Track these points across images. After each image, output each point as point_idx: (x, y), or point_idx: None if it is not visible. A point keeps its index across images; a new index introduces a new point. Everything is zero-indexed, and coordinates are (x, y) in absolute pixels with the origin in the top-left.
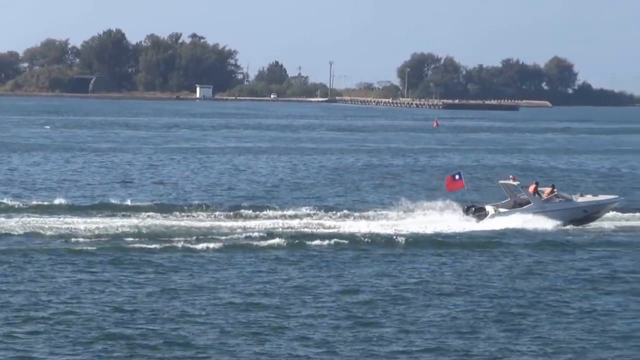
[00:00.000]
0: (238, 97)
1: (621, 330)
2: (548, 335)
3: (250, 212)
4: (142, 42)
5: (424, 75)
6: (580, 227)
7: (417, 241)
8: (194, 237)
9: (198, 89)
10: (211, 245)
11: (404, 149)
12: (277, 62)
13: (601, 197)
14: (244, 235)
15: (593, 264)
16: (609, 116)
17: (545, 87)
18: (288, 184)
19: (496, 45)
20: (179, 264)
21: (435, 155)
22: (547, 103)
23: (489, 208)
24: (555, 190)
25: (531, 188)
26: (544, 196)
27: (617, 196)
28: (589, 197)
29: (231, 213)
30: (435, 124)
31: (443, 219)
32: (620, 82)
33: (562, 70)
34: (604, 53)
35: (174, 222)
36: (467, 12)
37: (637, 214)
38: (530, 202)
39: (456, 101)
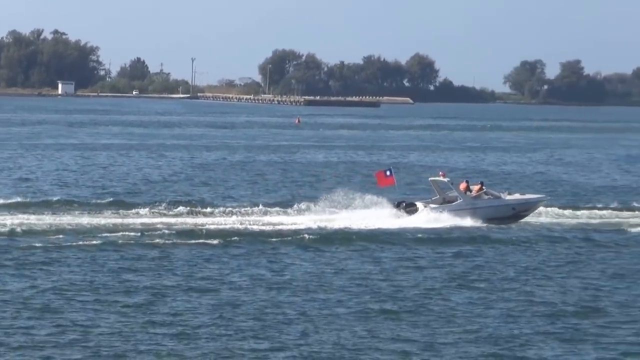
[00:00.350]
0: (100, 94)
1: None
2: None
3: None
4: (4, 39)
5: (285, 72)
6: (508, 224)
7: (347, 236)
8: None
9: (60, 86)
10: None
11: (270, 146)
12: (139, 59)
13: (529, 196)
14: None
15: (519, 259)
16: (470, 113)
17: (407, 84)
18: (155, 180)
19: (358, 41)
20: None
21: (302, 151)
22: (409, 100)
23: (419, 204)
24: (484, 187)
25: (462, 186)
26: (473, 193)
27: (543, 195)
28: (517, 195)
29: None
30: (297, 121)
31: (373, 214)
32: (481, 79)
33: (423, 67)
34: (466, 50)
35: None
36: (328, 8)
37: (566, 211)
38: (458, 199)
39: (318, 98)
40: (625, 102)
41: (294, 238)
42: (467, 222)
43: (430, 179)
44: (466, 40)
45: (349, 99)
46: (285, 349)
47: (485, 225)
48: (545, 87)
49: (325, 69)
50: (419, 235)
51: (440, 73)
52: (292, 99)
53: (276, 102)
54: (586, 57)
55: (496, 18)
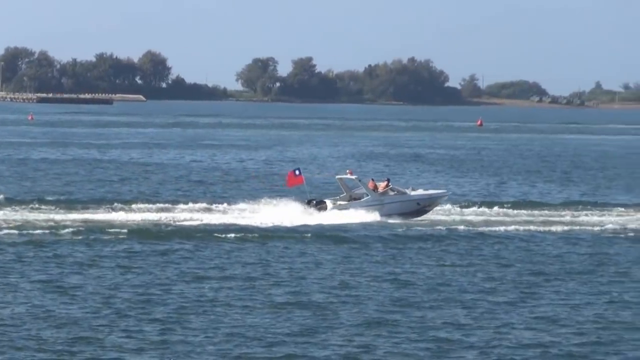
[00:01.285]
0: None
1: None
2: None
3: None
4: None
5: (18, 69)
6: (412, 219)
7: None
8: None
9: None
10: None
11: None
12: None
13: (432, 191)
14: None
15: (432, 253)
16: (200, 110)
17: (140, 81)
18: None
19: (90, 39)
20: None
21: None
22: (141, 97)
23: (328, 202)
24: (390, 184)
25: (370, 183)
26: (380, 189)
27: (446, 190)
28: (420, 191)
29: None
30: (30, 118)
31: (285, 212)
32: (214, 76)
33: (156, 65)
34: (198, 47)
35: None
36: (60, 5)
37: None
38: (365, 196)
39: (50, 95)
40: (357, 100)
41: (215, 236)
42: (376, 217)
43: (337, 177)
44: (198, 37)
45: (81, 96)
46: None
47: (392, 220)
48: (278, 84)
49: (58, 66)
50: (326, 233)
51: (173, 70)
52: (24, 96)
53: (9, 100)
54: (318, 55)
55: (228, 15)
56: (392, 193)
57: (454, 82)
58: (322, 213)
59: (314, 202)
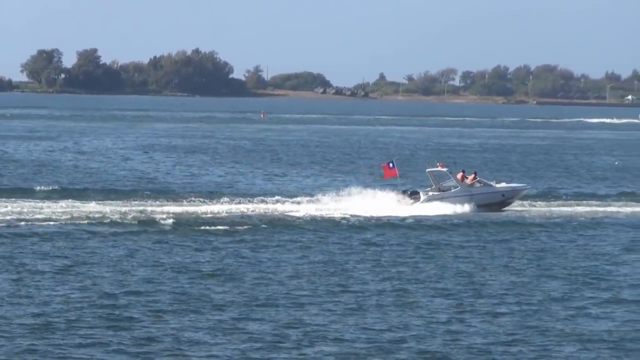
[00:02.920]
0: None
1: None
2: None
3: None
4: None
5: None
6: (495, 210)
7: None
8: None
9: None
10: None
11: None
12: None
13: (514, 184)
14: None
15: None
16: None
17: None
18: None
19: None
20: None
21: None
22: None
23: (421, 192)
24: (477, 176)
25: (459, 175)
26: (468, 181)
27: (526, 184)
28: (503, 184)
29: None
30: None
31: (382, 202)
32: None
33: None
34: None
35: None
36: None
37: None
38: (453, 188)
39: None
40: (142, 91)
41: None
42: (465, 207)
43: (427, 170)
44: None
45: None
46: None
47: (480, 210)
48: (63, 75)
49: None
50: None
51: None
52: None
53: None
54: (103, 46)
55: (13, 6)
56: (478, 185)
57: (238, 73)
58: (416, 203)
59: (409, 192)
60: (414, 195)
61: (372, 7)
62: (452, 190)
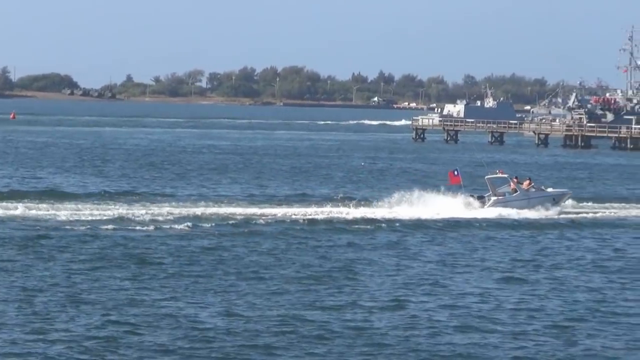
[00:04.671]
0: None
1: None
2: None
3: None
4: None
5: None
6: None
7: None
8: None
9: None
10: None
11: None
12: None
13: (560, 189)
14: None
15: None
16: None
17: None
18: None
19: None
20: None
21: None
22: None
23: (487, 197)
24: (531, 182)
25: (514, 181)
26: (524, 187)
27: (568, 189)
28: (550, 189)
29: None
30: None
31: (452, 204)
32: None
33: None
34: None
35: None
36: None
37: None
38: (507, 194)
39: None
40: None
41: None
42: (524, 211)
43: (487, 177)
44: None
45: None
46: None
47: (539, 213)
48: None
49: None
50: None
51: None
52: None
53: None
54: None
55: None
56: (533, 190)
57: None
58: (485, 206)
59: (477, 196)
60: (480, 199)
61: (118, 9)
62: (514, 195)
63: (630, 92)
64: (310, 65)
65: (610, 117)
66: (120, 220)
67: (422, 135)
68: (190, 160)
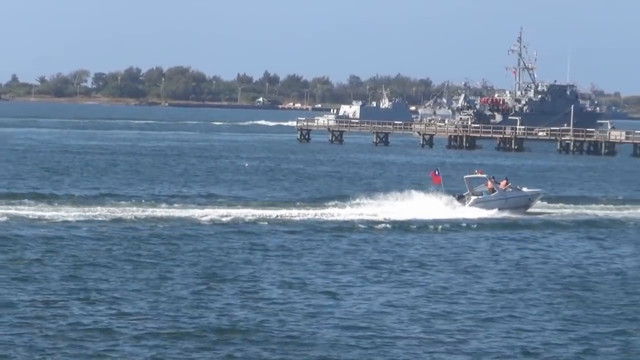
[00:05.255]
0: None
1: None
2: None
3: None
4: None
5: None
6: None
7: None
8: None
9: None
10: None
11: None
12: None
13: (535, 189)
14: None
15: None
16: None
17: None
18: None
19: None
20: None
21: None
22: None
23: (466, 196)
24: (508, 182)
25: (490, 181)
26: (501, 186)
27: (541, 189)
28: (525, 189)
29: None
30: None
31: (431, 204)
32: None
33: None
34: None
35: None
36: None
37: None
38: (485, 193)
39: None
40: None
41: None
42: (503, 210)
43: (465, 176)
44: None
45: None
46: None
47: (517, 212)
48: None
49: None
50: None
51: None
52: None
53: None
54: None
55: None
56: (510, 189)
57: None
58: (464, 206)
59: (458, 196)
60: (460, 199)
61: (2, 8)
62: (493, 195)
63: (518, 93)
64: (196, 65)
65: (498, 117)
66: None
67: (307, 136)
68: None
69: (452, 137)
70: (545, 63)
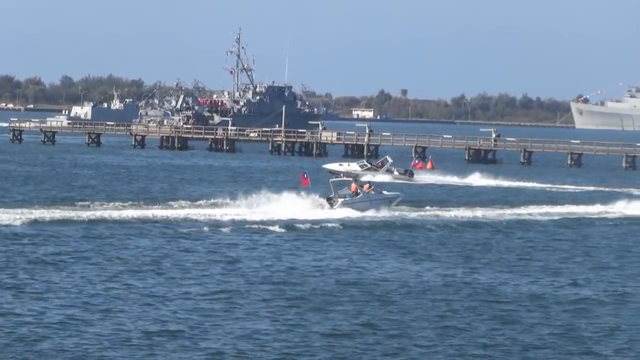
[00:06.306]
0: None
1: None
2: None
3: None
4: None
5: None
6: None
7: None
8: None
9: None
10: None
11: None
12: None
13: (393, 193)
14: None
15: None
16: None
17: None
18: None
19: None
20: None
21: None
22: None
23: (334, 198)
24: (371, 186)
25: (353, 185)
26: (365, 190)
27: (400, 192)
28: (385, 192)
29: None
30: None
31: (300, 205)
32: None
33: None
34: None
35: None
36: None
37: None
38: (348, 196)
39: None
40: None
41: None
42: (368, 211)
43: (331, 180)
44: None
45: None
46: None
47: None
48: None
49: None
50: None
51: None
52: None
53: None
54: None
55: None
56: (373, 192)
57: None
58: (333, 208)
59: (327, 198)
60: (329, 200)
61: None
62: (358, 197)
63: (237, 94)
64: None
65: (217, 119)
66: None
67: (19, 137)
68: None
69: (165, 138)
70: (263, 64)
